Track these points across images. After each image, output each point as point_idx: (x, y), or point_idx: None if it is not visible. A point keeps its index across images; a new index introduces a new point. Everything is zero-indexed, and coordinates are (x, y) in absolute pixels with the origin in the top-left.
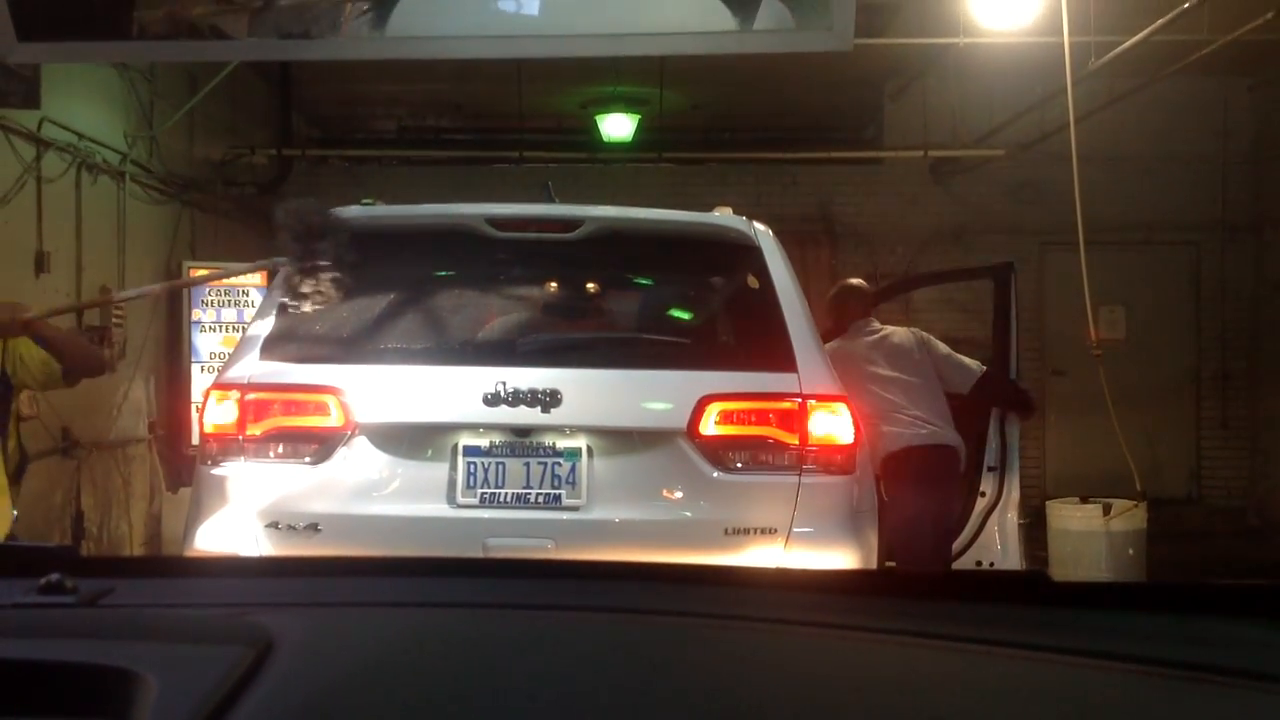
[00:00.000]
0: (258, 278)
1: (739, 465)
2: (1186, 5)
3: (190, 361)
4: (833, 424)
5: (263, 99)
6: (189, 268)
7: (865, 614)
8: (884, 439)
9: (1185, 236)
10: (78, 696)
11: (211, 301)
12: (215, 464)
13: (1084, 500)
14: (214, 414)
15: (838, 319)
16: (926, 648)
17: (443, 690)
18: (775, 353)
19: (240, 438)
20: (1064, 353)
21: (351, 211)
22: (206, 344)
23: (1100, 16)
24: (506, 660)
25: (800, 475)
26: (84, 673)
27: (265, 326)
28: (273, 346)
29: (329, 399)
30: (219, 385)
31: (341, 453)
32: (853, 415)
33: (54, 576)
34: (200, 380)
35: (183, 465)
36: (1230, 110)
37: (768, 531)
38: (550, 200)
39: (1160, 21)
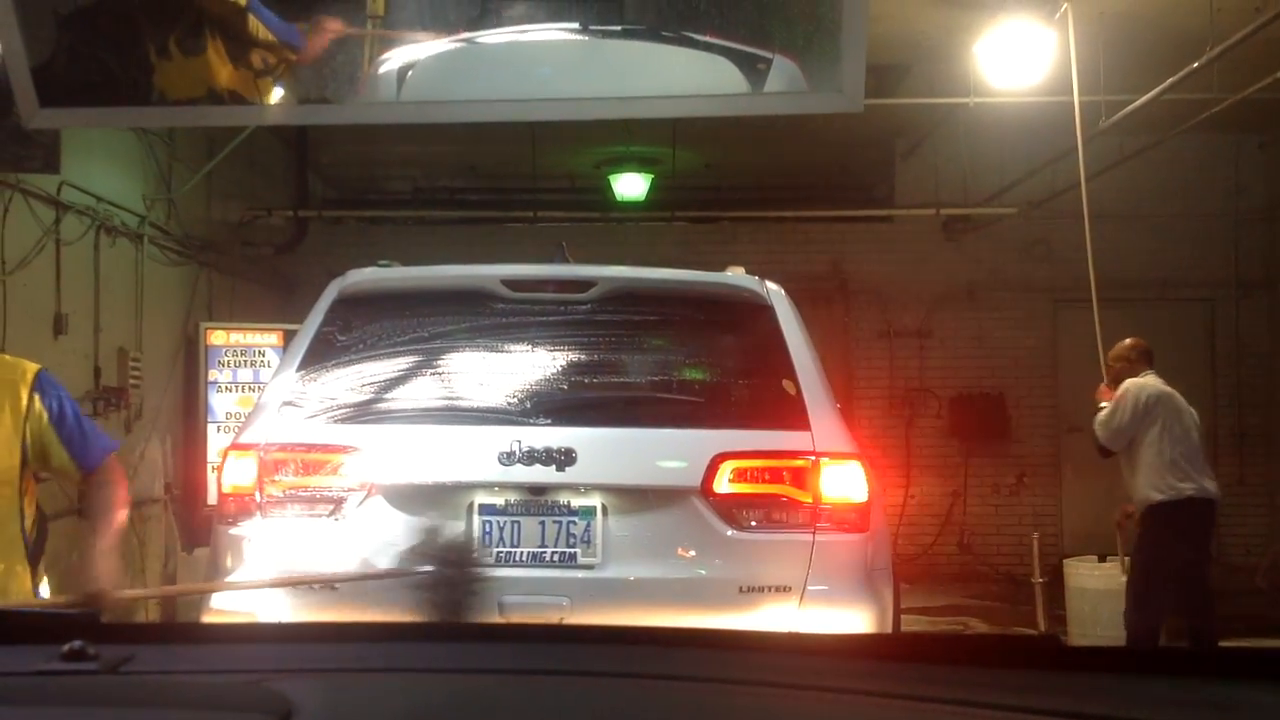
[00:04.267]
0: (274, 337)
1: (753, 523)
2: (1196, 65)
3: (207, 421)
4: (846, 482)
5: (280, 161)
6: (205, 329)
7: (878, 678)
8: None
9: (1199, 294)
10: None
11: (228, 362)
12: (233, 524)
13: (1101, 559)
14: (232, 474)
15: (1129, 369)
16: (939, 713)
17: None
18: (789, 411)
19: (258, 497)
20: (1079, 410)
21: (368, 273)
22: (223, 404)
23: (1110, 75)
24: None
25: (814, 533)
26: None
27: (283, 387)
28: (290, 407)
29: (346, 459)
30: (237, 445)
31: (358, 512)
32: (866, 473)
33: (76, 644)
34: (216, 440)
35: (198, 525)
36: (1242, 167)
37: (782, 590)
38: (564, 260)
39: (1170, 80)
